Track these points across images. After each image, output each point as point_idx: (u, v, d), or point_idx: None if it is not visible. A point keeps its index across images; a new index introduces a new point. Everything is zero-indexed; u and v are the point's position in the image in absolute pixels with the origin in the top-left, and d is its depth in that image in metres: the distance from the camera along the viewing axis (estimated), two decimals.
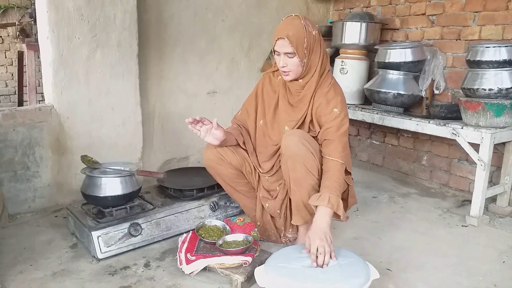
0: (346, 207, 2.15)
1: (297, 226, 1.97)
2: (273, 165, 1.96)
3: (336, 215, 1.74)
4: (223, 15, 3.06)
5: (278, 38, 1.80)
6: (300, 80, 1.90)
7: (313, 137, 1.88)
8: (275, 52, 1.86)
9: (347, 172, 1.88)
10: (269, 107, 2.00)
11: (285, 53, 1.81)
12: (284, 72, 1.86)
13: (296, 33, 1.78)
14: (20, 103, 4.47)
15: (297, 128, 1.91)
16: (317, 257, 1.58)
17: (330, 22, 3.39)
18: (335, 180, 1.75)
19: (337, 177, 1.77)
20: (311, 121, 1.90)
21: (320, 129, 1.87)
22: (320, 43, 1.88)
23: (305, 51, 1.81)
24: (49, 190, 2.39)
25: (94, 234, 1.82)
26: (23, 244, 1.99)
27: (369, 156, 3.45)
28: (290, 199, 1.93)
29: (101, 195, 1.92)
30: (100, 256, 1.82)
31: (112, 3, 2.38)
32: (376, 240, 2.12)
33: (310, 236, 1.64)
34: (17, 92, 4.79)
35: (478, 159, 2.26)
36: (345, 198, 2.08)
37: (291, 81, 1.91)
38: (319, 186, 1.80)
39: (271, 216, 2.02)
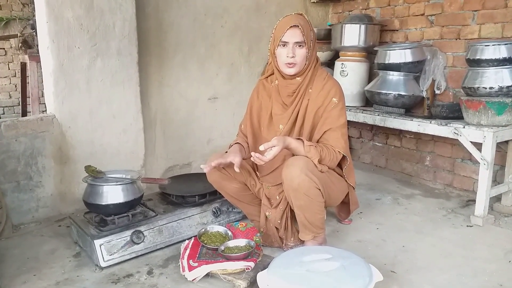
0: (348, 213, 2.16)
1: (298, 233, 1.95)
2: (274, 170, 1.95)
3: (340, 216, 2.08)
4: (222, 21, 3.08)
5: (290, 27, 1.78)
6: (298, 78, 1.89)
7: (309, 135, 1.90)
8: (281, 44, 1.82)
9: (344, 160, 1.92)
10: (266, 113, 2.00)
11: (295, 43, 1.81)
12: (290, 64, 1.83)
13: (305, 24, 1.82)
14: (24, 114, 4.49)
15: (291, 125, 1.91)
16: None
17: (329, 25, 3.39)
18: (323, 149, 1.79)
19: (327, 153, 1.80)
20: (306, 117, 1.90)
21: (318, 120, 1.87)
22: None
23: (311, 43, 1.84)
24: (52, 200, 2.40)
25: (97, 242, 1.83)
26: (27, 254, 2.00)
27: (372, 158, 3.43)
28: (291, 210, 1.92)
29: (103, 203, 1.92)
30: (103, 264, 1.82)
31: (111, 12, 2.40)
32: (380, 242, 2.11)
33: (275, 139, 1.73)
34: (20, 103, 4.83)
35: (481, 158, 2.24)
36: (347, 203, 2.08)
37: (288, 78, 1.90)
38: (325, 205, 1.85)
39: None
